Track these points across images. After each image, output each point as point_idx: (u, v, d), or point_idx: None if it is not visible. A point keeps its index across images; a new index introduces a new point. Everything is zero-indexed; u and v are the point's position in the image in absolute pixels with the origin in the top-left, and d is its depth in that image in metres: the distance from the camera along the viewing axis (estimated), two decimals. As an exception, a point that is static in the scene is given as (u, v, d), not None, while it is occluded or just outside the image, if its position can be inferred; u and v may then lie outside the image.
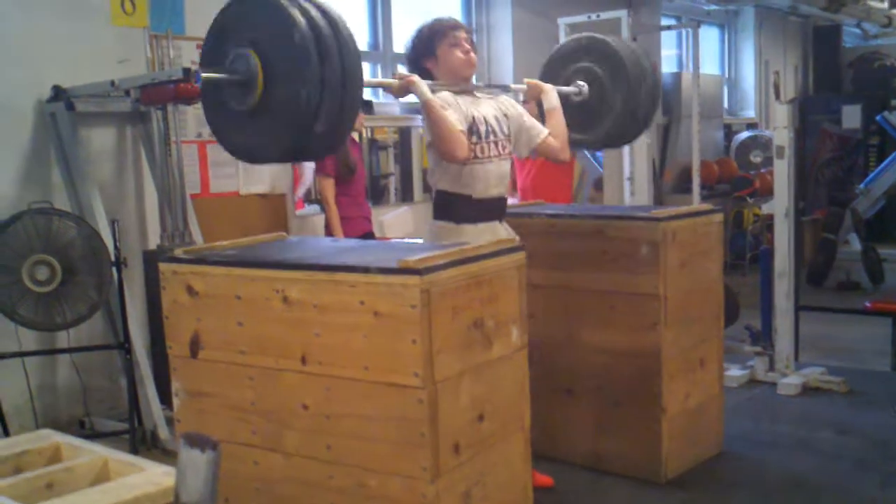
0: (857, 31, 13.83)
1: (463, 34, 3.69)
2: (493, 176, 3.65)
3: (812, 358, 5.98)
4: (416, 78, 3.49)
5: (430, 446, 2.66)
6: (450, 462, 2.74)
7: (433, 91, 3.51)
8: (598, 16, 7.42)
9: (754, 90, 12.60)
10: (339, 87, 2.78)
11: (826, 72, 13.32)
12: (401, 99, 3.84)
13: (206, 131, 5.60)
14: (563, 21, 7.48)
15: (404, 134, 7.28)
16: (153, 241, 5.19)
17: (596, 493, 4.01)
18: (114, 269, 4.59)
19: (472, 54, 3.70)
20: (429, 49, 3.68)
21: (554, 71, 4.39)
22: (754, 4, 11.77)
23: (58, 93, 4.89)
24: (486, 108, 3.71)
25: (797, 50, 13.48)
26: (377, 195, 7.00)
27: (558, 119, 3.89)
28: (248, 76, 2.84)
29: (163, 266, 3.20)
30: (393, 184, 7.25)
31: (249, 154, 3.01)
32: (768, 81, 12.52)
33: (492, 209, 3.69)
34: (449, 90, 3.61)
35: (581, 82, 4.26)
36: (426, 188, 7.10)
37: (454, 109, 3.52)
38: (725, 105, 12.17)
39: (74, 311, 4.50)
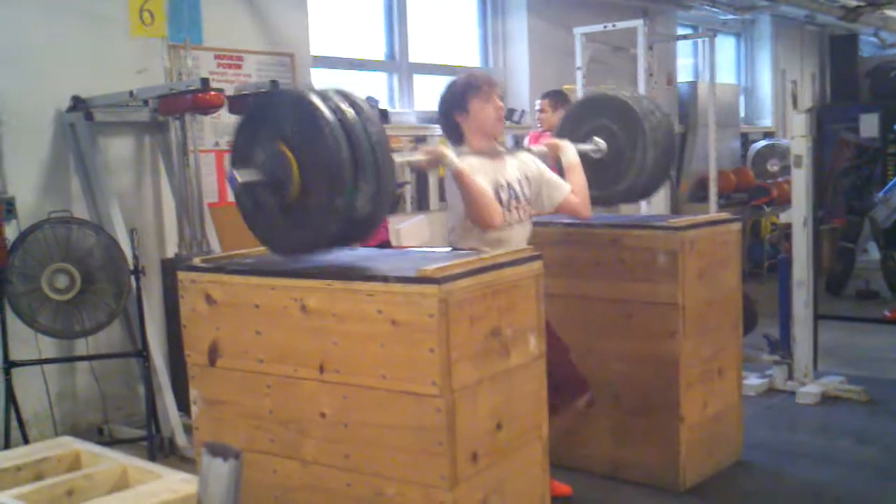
0: (875, 39, 13.77)
1: (497, 91, 3.68)
2: (515, 240, 3.61)
3: (831, 367, 5.94)
4: (443, 149, 3.50)
5: (447, 455, 2.66)
6: (467, 470, 2.73)
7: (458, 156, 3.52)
8: (614, 25, 7.42)
9: (771, 99, 12.56)
10: (372, 165, 2.77)
11: (843, 81, 13.26)
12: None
13: (224, 141, 5.67)
14: (578, 31, 7.48)
15: (420, 143, 7.29)
16: (171, 250, 5.21)
17: (614, 502, 4.00)
18: (132, 278, 4.61)
19: (503, 112, 3.71)
20: (461, 103, 3.64)
21: (569, 130, 4.35)
22: (771, 13, 11.75)
23: (77, 103, 4.93)
24: (511, 170, 3.69)
25: (814, 59, 13.43)
26: (393, 204, 7.01)
27: (578, 175, 3.88)
28: (283, 174, 2.82)
29: (181, 275, 3.22)
30: (409, 192, 7.25)
31: (295, 249, 3.01)
32: (785, 90, 12.48)
33: None
34: (475, 156, 3.60)
35: (598, 139, 4.23)
36: (442, 197, 7.11)
37: (483, 175, 3.51)
38: (742, 114, 12.13)
39: (93, 318, 4.52)
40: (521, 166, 3.76)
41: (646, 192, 4.47)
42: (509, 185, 3.63)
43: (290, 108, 2.85)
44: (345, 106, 2.79)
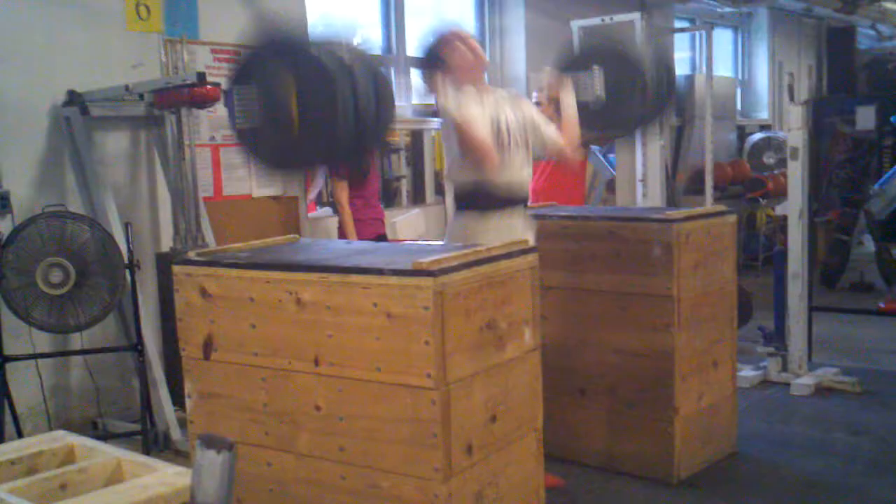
0: (872, 32, 13.77)
1: (463, 35, 3.76)
2: (516, 164, 3.73)
3: (825, 359, 5.96)
4: (444, 100, 3.55)
5: (442, 447, 2.66)
6: (462, 463, 2.74)
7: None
8: (611, 18, 7.40)
9: (767, 92, 12.56)
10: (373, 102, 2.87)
11: (840, 73, 13.26)
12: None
13: (220, 135, 5.65)
14: (575, 24, 7.46)
15: (416, 137, 7.29)
16: (166, 244, 5.21)
17: (608, 494, 4.00)
18: (127, 272, 4.60)
19: (478, 49, 3.76)
20: (436, 61, 3.70)
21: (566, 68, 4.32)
22: (768, 6, 11.74)
23: (72, 97, 4.92)
24: (508, 109, 3.77)
25: (811, 51, 13.43)
26: (389, 198, 7.01)
27: (573, 119, 3.93)
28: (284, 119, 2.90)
29: (176, 268, 3.21)
30: (405, 186, 7.25)
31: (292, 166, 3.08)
32: (781, 83, 12.47)
33: (514, 195, 3.76)
34: (472, 93, 3.67)
35: (597, 69, 4.19)
36: (438, 190, 7.12)
37: (477, 106, 3.61)
38: (738, 107, 12.13)
39: (88, 313, 4.51)
40: (514, 103, 3.83)
41: (643, 124, 4.43)
42: (508, 125, 3.71)
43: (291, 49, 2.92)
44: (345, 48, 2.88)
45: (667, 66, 4.28)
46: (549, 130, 3.89)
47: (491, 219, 3.68)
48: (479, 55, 3.77)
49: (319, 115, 2.87)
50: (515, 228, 3.72)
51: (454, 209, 3.84)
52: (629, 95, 4.18)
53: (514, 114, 3.78)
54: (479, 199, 3.70)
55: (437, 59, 3.70)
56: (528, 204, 3.89)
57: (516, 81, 8.23)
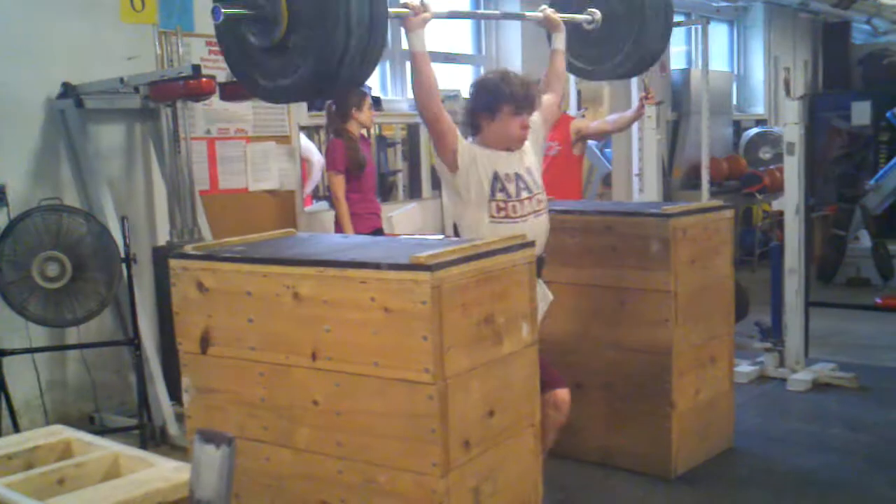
0: (867, 27, 13.77)
1: (532, 109, 3.56)
2: (532, 233, 3.41)
3: (822, 354, 5.96)
4: (414, 26, 3.33)
5: (440, 442, 2.66)
6: (460, 458, 2.73)
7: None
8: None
9: (763, 86, 12.56)
10: (367, 30, 2.74)
11: (836, 68, 13.26)
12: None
13: (215, 128, 5.64)
14: (571, 17, 7.44)
15: (412, 130, 7.28)
16: (162, 238, 5.20)
17: (605, 489, 4.01)
18: (123, 266, 4.60)
19: (528, 131, 3.57)
20: (492, 109, 3.50)
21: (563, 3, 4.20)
22: (764, 1, 11.73)
23: (67, 90, 4.90)
24: (526, 158, 3.60)
25: (807, 46, 13.42)
26: (385, 192, 7.00)
27: (561, 61, 3.92)
28: (272, 12, 2.77)
29: (173, 262, 3.20)
30: (401, 180, 7.24)
31: (269, 93, 2.93)
32: (777, 78, 12.48)
33: None
34: (483, 148, 3.54)
35: (594, 10, 4.13)
36: (435, 185, 7.10)
37: (482, 167, 3.47)
38: (735, 101, 12.13)
39: (84, 307, 4.50)
40: (532, 141, 3.65)
41: (639, 67, 4.37)
42: (518, 176, 3.53)
43: None
44: None
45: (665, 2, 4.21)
46: (544, 115, 3.78)
47: None
48: (525, 136, 3.56)
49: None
50: None
51: None
52: (627, 31, 4.10)
53: (533, 156, 3.64)
54: None
55: (490, 106, 3.51)
56: (543, 270, 3.60)
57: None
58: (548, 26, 3.93)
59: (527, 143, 3.62)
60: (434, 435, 2.66)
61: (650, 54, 4.25)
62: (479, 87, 3.60)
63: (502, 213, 3.47)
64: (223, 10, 2.81)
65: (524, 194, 3.53)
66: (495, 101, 3.50)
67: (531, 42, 8.15)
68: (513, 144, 3.56)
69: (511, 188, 3.50)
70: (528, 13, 4.05)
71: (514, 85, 3.50)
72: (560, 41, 3.92)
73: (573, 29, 4.04)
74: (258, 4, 2.80)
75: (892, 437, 4.53)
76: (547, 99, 3.80)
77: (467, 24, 8.28)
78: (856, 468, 4.17)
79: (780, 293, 5.63)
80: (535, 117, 3.66)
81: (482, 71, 8.28)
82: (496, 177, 3.49)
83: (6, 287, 4.36)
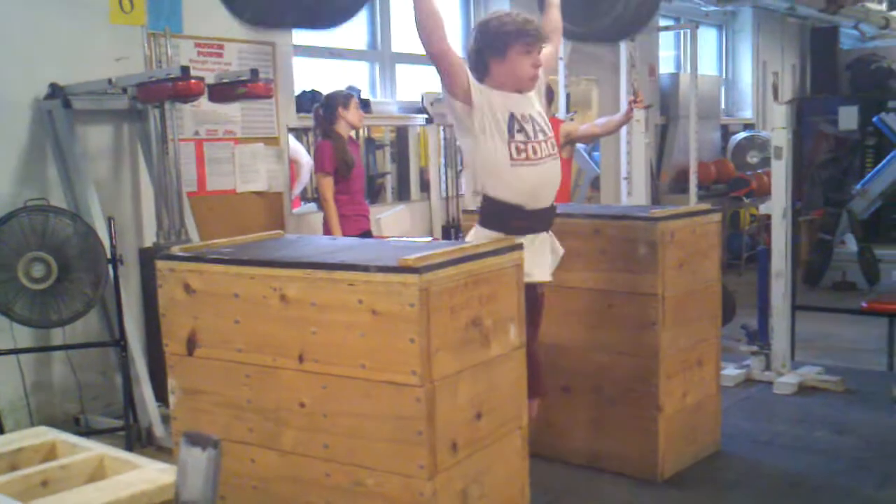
0: (855, 32, 13.84)
1: (542, 45, 3.50)
2: (546, 181, 3.49)
3: (808, 357, 5.99)
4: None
5: (427, 445, 2.65)
6: (447, 460, 2.73)
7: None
8: (596, 15, 7.40)
9: (751, 91, 12.61)
10: None
11: (823, 73, 13.33)
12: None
13: (203, 129, 5.62)
14: (560, 20, 7.45)
15: (401, 133, 7.28)
16: (149, 239, 5.18)
17: (592, 492, 4.01)
18: (110, 267, 4.58)
19: (539, 69, 3.52)
20: (501, 48, 3.42)
21: None
22: (752, 5, 11.78)
23: (55, 90, 4.88)
24: (534, 102, 3.56)
25: (795, 51, 13.49)
26: (374, 194, 7.00)
27: (557, 12, 3.89)
28: None
29: (160, 263, 3.19)
30: (389, 183, 7.24)
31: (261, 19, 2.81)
32: (765, 82, 12.53)
33: (543, 220, 3.59)
34: (495, 90, 3.46)
35: None
36: (423, 187, 7.11)
37: (500, 107, 3.41)
38: (723, 106, 12.18)
39: (70, 308, 4.48)
40: (536, 90, 3.62)
41: (630, 29, 4.27)
42: (532, 118, 3.48)
43: None
44: None
45: None
46: (544, 66, 3.69)
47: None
48: (537, 74, 3.51)
49: None
50: (544, 253, 3.59)
51: (478, 221, 3.58)
52: None
53: (540, 107, 3.58)
54: (505, 219, 3.47)
55: (498, 49, 3.43)
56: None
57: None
58: None
59: (531, 94, 3.58)
60: (421, 437, 2.66)
61: (641, 16, 4.16)
62: (485, 28, 3.51)
63: (522, 156, 3.41)
64: None
65: (541, 136, 3.48)
66: (504, 41, 3.43)
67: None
68: (524, 84, 3.49)
69: (529, 129, 3.45)
70: None
71: (521, 23, 3.45)
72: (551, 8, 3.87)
73: None
74: None
75: (878, 440, 4.54)
76: (546, 50, 3.67)
77: (457, 26, 8.27)
78: (841, 471, 4.19)
79: (767, 297, 5.64)
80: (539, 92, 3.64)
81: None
82: (513, 117, 3.42)
83: (-8, 288, 4.34)
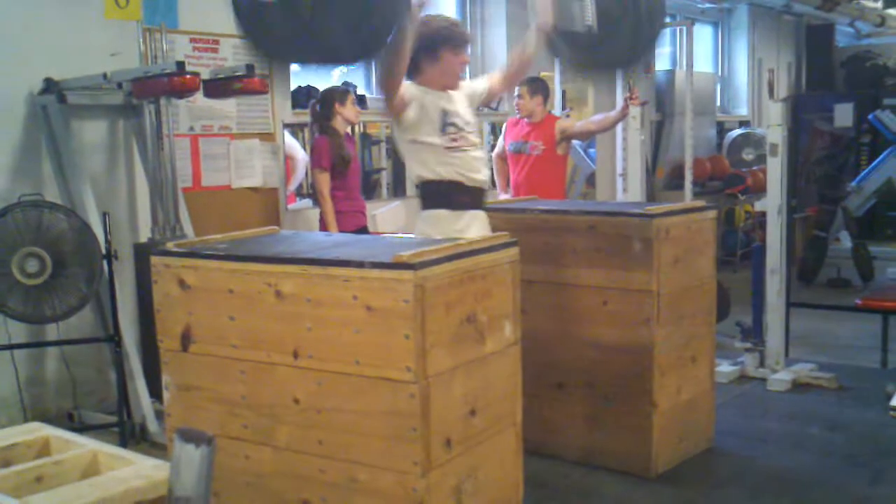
0: (850, 29, 13.86)
1: (468, 46, 3.89)
2: (476, 166, 3.86)
3: (802, 354, 6.00)
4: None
5: (421, 441, 2.66)
6: (441, 457, 2.73)
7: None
8: (592, 12, 7.40)
9: (747, 88, 12.62)
10: None
11: (819, 70, 13.35)
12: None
13: (199, 125, 5.61)
14: (556, 17, 7.45)
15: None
16: (144, 235, 5.17)
17: (586, 489, 4.01)
18: (104, 262, 4.57)
19: (466, 67, 3.95)
20: (433, 50, 3.77)
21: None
22: (748, 2, 11.80)
23: (49, 85, 4.87)
24: (459, 101, 3.88)
25: (790, 48, 13.50)
26: (369, 190, 6.99)
27: (528, 55, 4.09)
28: None
29: (154, 259, 3.19)
30: (385, 178, 7.24)
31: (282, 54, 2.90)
32: (761, 79, 12.54)
33: (479, 197, 3.90)
34: (424, 89, 3.80)
35: (587, 2, 4.14)
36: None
37: (430, 103, 3.75)
38: (718, 103, 12.18)
39: (64, 303, 4.47)
40: (465, 92, 3.96)
41: (631, 60, 4.35)
42: (458, 114, 3.82)
43: None
44: None
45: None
46: (481, 82, 4.10)
47: (462, 218, 3.79)
48: (463, 71, 3.91)
49: None
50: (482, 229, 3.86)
51: (421, 208, 3.93)
52: (619, 28, 4.11)
53: (467, 102, 3.93)
54: (449, 196, 3.80)
55: (430, 50, 3.77)
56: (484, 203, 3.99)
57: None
58: (545, 21, 4.01)
59: (457, 95, 3.90)
60: (415, 434, 2.66)
61: (642, 51, 4.23)
62: (421, 28, 3.77)
63: (455, 144, 3.77)
64: None
65: (468, 129, 3.84)
66: (437, 43, 3.76)
67: (517, 40, 8.15)
68: (452, 83, 3.85)
69: (458, 122, 3.80)
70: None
71: (452, 27, 3.85)
72: (533, 43, 4.04)
73: (568, 21, 4.12)
74: None
75: (870, 437, 4.55)
76: (492, 79, 4.10)
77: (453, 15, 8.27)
78: (834, 467, 4.20)
79: (762, 293, 5.65)
80: (478, 84, 4.07)
81: (468, 71, 8.28)
82: (445, 112, 3.78)
83: (-14, 283, 4.33)
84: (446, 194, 3.80)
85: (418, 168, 3.84)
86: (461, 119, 3.83)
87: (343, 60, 3.00)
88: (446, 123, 3.76)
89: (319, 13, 2.78)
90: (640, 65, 4.52)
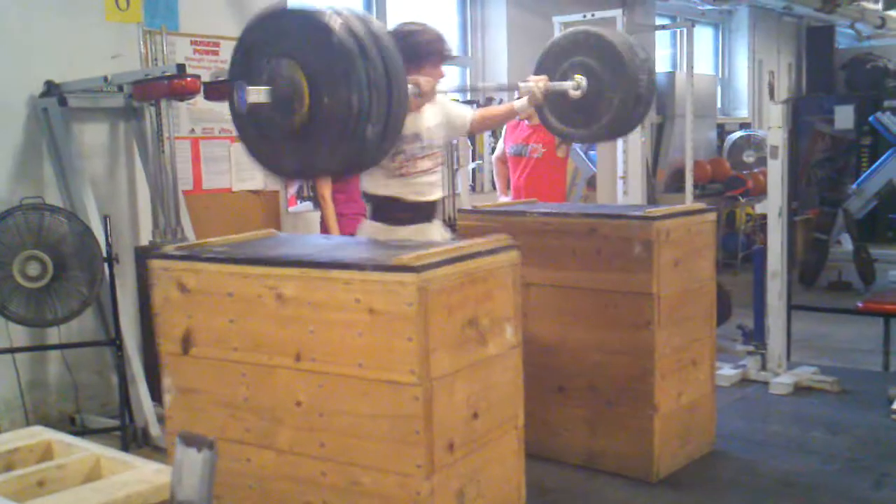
0: (851, 31, 13.86)
1: (447, 60, 3.83)
2: (427, 186, 3.85)
3: (804, 357, 5.99)
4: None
5: (424, 444, 2.65)
6: (444, 459, 2.73)
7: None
8: (593, 14, 7.41)
9: (748, 90, 12.62)
10: (385, 84, 2.68)
11: (819, 72, 13.34)
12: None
13: (199, 127, 5.61)
14: (557, 20, 7.47)
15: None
16: (145, 238, 5.17)
17: (588, 492, 4.01)
18: (105, 266, 4.57)
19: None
20: (417, 62, 3.68)
21: (549, 66, 4.27)
22: (748, 4, 11.80)
23: (50, 88, 4.87)
24: (429, 117, 3.84)
25: (791, 50, 13.51)
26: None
27: (506, 111, 4.19)
28: (293, 87, 2.68)
29: (154, 263, 3.18)
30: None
31: (302, 173, 2.86)
32: (762, 81, 12.55)
33: (425, 210, 3.88)
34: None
35: (579, 76, 4.16)
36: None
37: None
38: (719, 105, 12.18)
39: (66, 307, 4.47)
40: (435, 110, 3.90)
41: (621, 132, 4.39)
42: (419, 136, 3.77)
43: (293, 20, 2.73)
44: (350, 16, 2.66)
45: (650, 70, 4.24)
46: (462, 115, 4.04)
47: (397, 233, 3.74)
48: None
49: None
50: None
51: (368, 216, 3.93)
52: (609, 102, 4.14)
53: (436, 118, 3.87)
54: (387, 212, 3.80)
55: (414, 61, 3.68)
56: (434, 217, 3.96)
57: (497, 76, 8.23)
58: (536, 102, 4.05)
59: (429, 108, 3.84)
60: (418, 436, 2.65)
61: (634, 118, 4.28)
62: (409, 39, 3.70)
63: (402, 171, 3.75)
64: (247, 88, 2.68)
65: (425, 152, 3.81)
66: (422, 56, 3.71)
67: (517, 43, 8.17)
68: (429, 97, 3.74)
69: (413, 147, 3.75)
70: (521, 83, 4.11)
71: (441, 43, 3.78)
72: (522, 104, 4.05)
73: (561, 95, 4.14)
74: (279, 82, 2.70)
75: (873, 441, 4.55)
76: (467, 115, 4.06)
77: (454, 25, 8.28)
78: (836, 471, 4.19)
79: (763, 296, 5.65)
80: (464, 114, 4.05)
81: (468, 73, 8.30)
82: (401, 137, 3.59)
83: (-13, 286, 4.32)
84: (386, 209, 3.80)
85: (366, 179, 3.83)
86: (421, 142, 3.77)
87: (364, 167, 2.92)
88: (398, 151, 3.66)
89: (313, 123, 2.69)
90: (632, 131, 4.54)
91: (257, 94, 2.71)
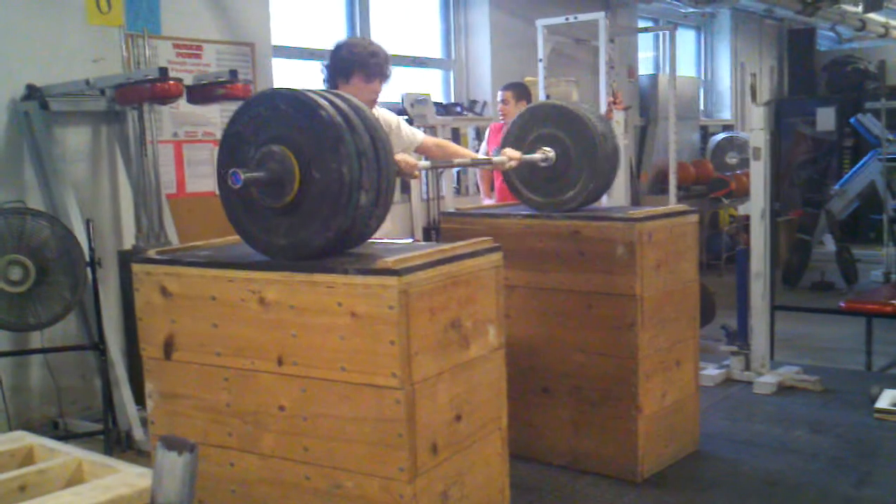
0: (832, 34, 13.95)
1: (383, 80, 3.88)
2: None
3: (787, 357, 6.03)
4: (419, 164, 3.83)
5: (407, 447, 2.65)
6: (427, 462, 2.73)
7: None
8: (575, 17, 7.45)
9: (730, 92, 12.69)
10: (373, 154, 2.76)
11: (801, 75, 13.43)
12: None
13: (182, 131, 5.61)
14: (540, 23, 7.50)
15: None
16: (128, 242, 5.16)
17: (572, 493, 4.02)
18: (88, 270, 4.55)
19: (376, 99, 3.93)
20: (346, 73, 3.82)
21: (516, 136, 4.33)
22: (730, 7, 11.86)
23: (32, 91, 4.85)
24: None
25: (772, 53, 13.59)
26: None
27: (457, 152, 4.35)
28: (284, 170, 2.74)
29: (136, 267, 3.17)
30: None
31: (294, 250, 2.88)
32: (744, 83, 12.61)
33: None
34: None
35: (547, 148, 4.22)
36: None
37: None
38: (702, 107, 12.24)
39: (48, 311, 4.46)
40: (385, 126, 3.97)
41: (591, 200, 4.43)
42: None
43: (280, 105, 2.79)
44: (346, 107, 2.77)
45: (614, 145, 4.30)
46: (414, 135, 4.22)
47: None
48: (373, 101, 3.88)
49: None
50: None
51: None
52: (579, 168, 4.20)
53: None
54: None
55: (344, 73, 3.84)
56: None
57: (481, 79, 8.25)
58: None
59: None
60: (401, 440, 2.65)
61: (601, 187, 4.34)
62: (337, 52, 3.88)
63: None
64: (242, 175, 2.77)
65: None
66: (351, 67, 3.83)
67: (500, 46, 8.19)
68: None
69: None
70: (494, 158, 4.22)
71: (374, 55, 3.83)
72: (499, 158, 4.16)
73: (529, 166, 4.22)
74: (269, 167, 2.77)
75: (855, 439, 4.58)
76: (421, 139, 4.24)
77: (437, 28, 8.29)
78: (820, 470, 4.22)
79: (746, 297, 5.68)
80: (413, 135, 4.20)
81: (452, 76, 8.31)
82: None
83: (-32, 291, 4.30)
84: None
85: None
86: None
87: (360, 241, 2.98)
88: None
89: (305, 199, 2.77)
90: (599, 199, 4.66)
91: (252, 180, 2.80)
